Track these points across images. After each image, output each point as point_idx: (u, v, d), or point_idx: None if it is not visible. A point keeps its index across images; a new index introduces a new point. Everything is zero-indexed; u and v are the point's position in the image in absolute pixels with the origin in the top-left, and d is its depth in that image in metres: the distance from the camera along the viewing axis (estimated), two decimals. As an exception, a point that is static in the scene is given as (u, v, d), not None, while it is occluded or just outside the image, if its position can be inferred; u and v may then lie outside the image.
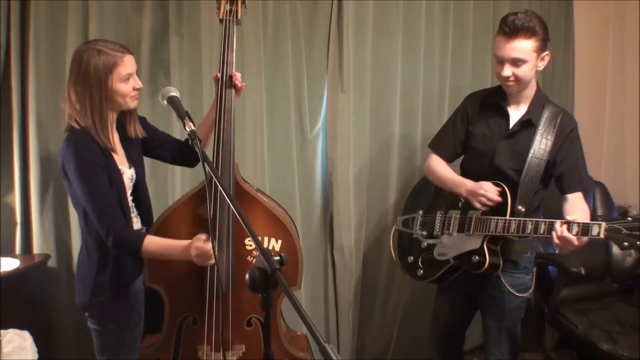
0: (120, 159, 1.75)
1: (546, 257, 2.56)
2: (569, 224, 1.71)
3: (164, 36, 2.26)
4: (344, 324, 2.74)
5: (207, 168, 1.40)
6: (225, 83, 1.85)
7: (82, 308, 1.78)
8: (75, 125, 1.66)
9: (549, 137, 1.91)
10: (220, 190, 1.77)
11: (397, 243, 2.30)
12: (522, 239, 1.91)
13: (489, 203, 1.88)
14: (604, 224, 1.66)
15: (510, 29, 1.79)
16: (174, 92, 1.67)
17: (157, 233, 1.80)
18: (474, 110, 2.06)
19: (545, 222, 1.78)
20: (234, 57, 1.87)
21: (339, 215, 2.64)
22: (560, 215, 1.84)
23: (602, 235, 1.66)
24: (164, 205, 2.09)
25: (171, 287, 1.88)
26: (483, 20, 2.84)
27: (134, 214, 1.81)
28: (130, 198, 1.79)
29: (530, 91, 1.95)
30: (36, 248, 2.20)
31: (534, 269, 2.07)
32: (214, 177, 1.35)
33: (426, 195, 2.21)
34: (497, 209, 1.89)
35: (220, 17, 1.88)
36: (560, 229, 1.72)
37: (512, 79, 1.86)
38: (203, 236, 1.67)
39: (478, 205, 1.91)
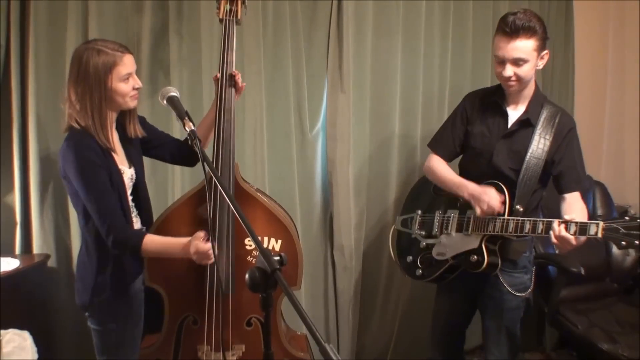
0: (120, 158, 1.75)
1: (546, 257, 2.56)
2: (567, 224, 1.71)
3: (164, 36, 2.26)
4: (344, 324, 2.74)
5: (207, 168, 1.40)
6: (225, 83, 1.85)
7: (82, 308, 1.78)
8: (75, 125, 1.66)
9: (547, 136, 1.91)
10: (220, 190, 1.78)
11: (396, 243, 2.30)
12: (521, 238, 1.92)
13: (489, 210, 1.87)
14: (601, 224, 1.66)
15: (511, 29, 1.79)
16: (174, 92, 1.66)
17: (157, 233, 1.80)
18: (472, 110, 2.06)
19: (543, 221, 1.78)
20: (234, 57, 1.87)
21: (339, 215, 2.64)
22: (559, 215, 1.84)
23: (599, 235, 1.66)
24: (164, 205, 2.09)
25: (171, 287, 1.88)
26: (483, 20, 2.84)
27: (133, 213, 1.81)
28: (130, 198, 1.80)
29: (529, 91, 1.95)
30: (36, 248, 2.20)
31: (533, 269, 2.07)
32: (214, 177, 1.35)
33: (425, 195, 2.21)
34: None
35: (220, 17, 1.88)
36: (558, 228, 1.72)
37: (513, 78, 1.86)
38: (202, 234, 1.67)
39: (478, 211, 1.90)
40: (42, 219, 2.20)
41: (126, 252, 1.72)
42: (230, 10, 1.87)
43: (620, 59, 3.26)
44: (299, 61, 2.47)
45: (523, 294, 2.03)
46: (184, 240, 1.69)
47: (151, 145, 1.93)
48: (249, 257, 1.88)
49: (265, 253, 1.09)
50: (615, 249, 2.71)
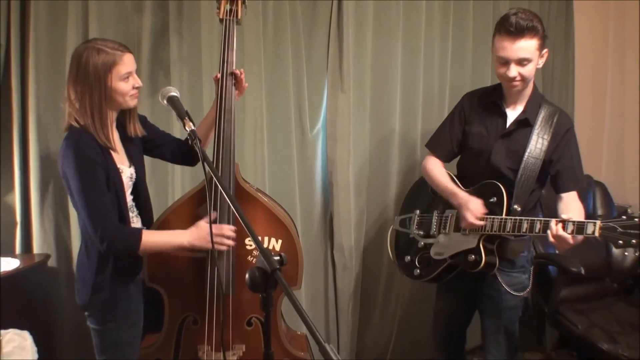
0: (120, 157, 1.75)
1: (546, 257, 2.56)
2: (564, 223, 1.72)
3: (164, 36, 2.26)
4: (344, 324, 2.74)
5: (207, 168, 1.39)
6: (226, 83, 1.85)
7: (82, 307, 1.77)
8: (74, 124, 1.66)
9: (546, 136, 1.91)
10: (221, 190, 1.78)
11: (395, 243, 2.30)
12: (519, 238, 1.92)
13: (465, 225, 1.92)
14: (598, 223, 1.67)
15: (516, 29, 1.78)
16: (174, 92, 1.66)
17: (157, 233, 1.80)
18: (470, 110, 2.06)
19: (540, 221, 1.78)
20: (234, 57, 1.87)
21: (339, 215, 2.64)
22: (559, 214, 1.85)
23: (597, 234, 1.66)
24: (164, 205, 2.09)
25: (171, 286, 1.88)
26: (483, 20, 2.84)
27: (134, 213, 1.81)
28: (130, 197, 1.80)
29: (528, 90, 1.95)
30: (36, 248, 2.20)
31: (531, 268, 2.08)
32: (214, 177, 1.35)
33: (423, 195, 2.21)
34: (494, 209, 1.89)
35: (221, 17, 1.88)
36: (555, 227, 1.72)
37: (518, 78, 1.86)
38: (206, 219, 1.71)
39: (462, 224, 1.93)
40: (42, 218, 2.20)
41: (124, 253, 1.72)
42: (231, 10, 1.87)
43: (620, 59, 3.26)
44: (299, 61, 2.47)
45: (521, 294, 2.03)
46: (185, 231, 1.73)
47: (153, 144, 1.93)
48: (249, 257, 1.88)
49: (266, 253, 1.09)
50: (615, 249, 2.72)
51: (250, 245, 1.88)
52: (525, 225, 1.81)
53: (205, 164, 1.40)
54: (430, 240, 2.10)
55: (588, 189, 2.84)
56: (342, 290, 2.70)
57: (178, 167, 2.28)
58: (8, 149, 2.14)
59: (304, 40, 2.48)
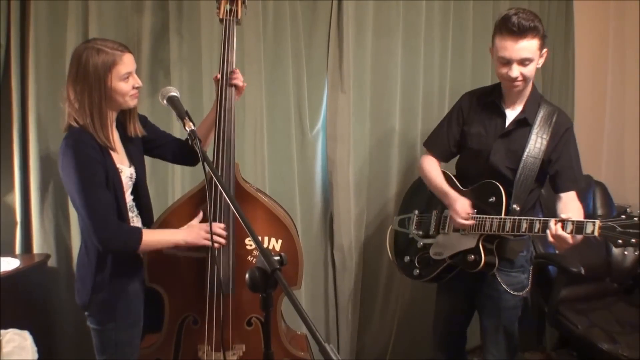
0: (119, 157, 1.75)
1: (546, 257, 2.56)
2: (563, 222, 1.72)
3: (164, 36, 2.26)
4: (343, 324, 2.74)
5: (207, 168, 1.39)
6: (226, 83, 1.85)
7: (81, 307, 1.77)
8: (74, 124, 1.66)
9: (545, 136, 1.91)
10: (221, 190, 1.78)
11: (394, 243, 2.30)
12: (518, 237, 1.92)
13: (457, 225, 1.95)
14: (597, 222, 1.67)
15: (519, 29, 1.78)
16: (174, 92, 1.66)
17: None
18: (469, 110, 2.06)
19: (539, 220, 1.78)
20: (234, 57, 1.87)
21: (339, 215, 2.64)
22: (558, 214, 1.85)
23: (596, 233, 1.66)
24: (164, 205, 2.09)
25: (171, 287, 1.88)
26: (483, 20, 2.84)
27: (134, 213, 1.81)
28: (130, 197, 1.79)
29: (527, 90, 1.95)
30: (36, 248, 2.20)
31: (530, 268, 2.08)
32: (214, 177, 1.35)
33: (422, 195, 2.21)
34: (493, 209, 1.90)
35: (220, 17, 1.88)
36: (554, 227, 1.72)
37: (520, 78, 1.86)
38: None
39: (454, 224, 1.97)
40: (42, 218, 2.19)
41: (122, 252, 1.72)
42: (231, 10, 1.87)
43: (620, 58, 3.26)
44: (299, 61, 2.47)
45: (520, 293, 2.03)
46: (182, 229, 1.75)
47: (153, 144, 1.93)
48: (249, 256, 1.88)
49: (266, 253, 1.09)
50: (615, 249, 2.72)
51: (250, 245, 1.88)
52: (524, 225, 1.81)
53: (205, 164, 1.40)
54: (429, 241, 2.10)
55: (588, 188, 2.84)
56: (342, 290, 2.70)
57: (178, 167, 2.28)
58: (8, 149, 2.14)
59: (304, 40, 2.48)
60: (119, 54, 1.64)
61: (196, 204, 1.86)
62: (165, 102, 1.66)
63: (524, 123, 1.94)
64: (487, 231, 1.89)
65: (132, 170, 1.80)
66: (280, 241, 1.88)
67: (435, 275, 2.08)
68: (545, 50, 1.87)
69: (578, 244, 1.73)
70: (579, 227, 1.69)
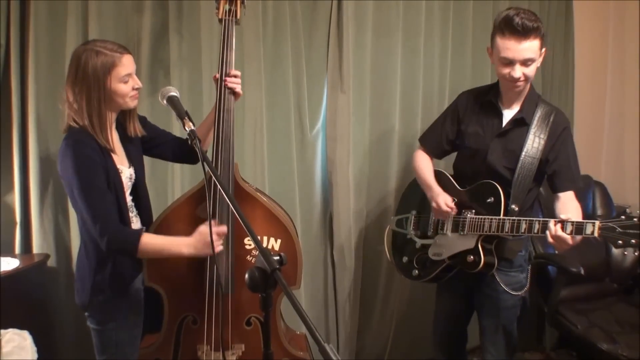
0: (119, 158, 1.75)
1: (546, 257, 2.56)
2: (563, 223, 1.72)
3: (164, 36, 2.26)
4: (343, 324, 2.74)
5: (207, 167, 1.39)
6: (224, 83, 1.85)
7: (81, 307, 1.77)
8: (74, 124, 1.66)
9: (542, 135, 1.91)
10: (220, 190, 1.78)
11: (392, 243, 2.30)
12: (516, 237, 1.92)
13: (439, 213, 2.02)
14: (597, 223, 1.66)
15: (523, 30, 1.78)
16: (174, 92, 1.66)
17: (157, 232, 1.80)
18: (466, 109, 2.06)
19: (539, 221, 1.78)
20: (234, 57, 1.87)
21: (339, 215, 2.64)
22: (556, 214, 1.85)
23: (596, 234, 1.66)
24: (164, 205, 2.09)
25: (171, 286, 1.88)
26: (483, 20, 2.84)
27: (133, 213, 1.81)
28: (129, 198, 1.79)
29: (525, 89, 1.95)
30: (36, 248, 2.20)
31: (529, 267, 2.08)
32: (214, 177, 1.35)
33: (419, 195, 2.20)
34: (491, 209, 1.90)
35: (220, 17, 1.88)
36: (554, 228, 1.72)
37: (522, 79, 1.85)
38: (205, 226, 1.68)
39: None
40: (42, 218, 2.20)
41: (122, 254, 1.72)
42: (230, 10, 1.87)
43: (620, 59, 3.26)
44: (299, 61, 2.47)
45: (519, 293, 2.03)
46: (186, 238, 1.69)
47: (153, 144, 1.93)
48: (249, 256, 1.88)
49: (265, 253, 1.09)
50: (615, 249, 2.72)
51: (250, 245, 1.88)
52: (524, 226, 1.81)
53: (205, 163, 1.40)
54: (427, 241, 2.10)
55: (587, 188, 2.84)
56: (341, 290, 2.70)
57: (177, 167, 2.28)
58: (8, 149, 2.14)
59: (304, 40, 2.48)
60: (118, 55, 1.64)
61: (195, 203, 1.86)
62: (165, 102, 1.65)
63: (521, 123, 1.94)
64: (486, 232, 1.89)
65: (131, 170, 1.80)
66: (279, 241, 1.88)
67: (434, 275, 2.08)
68: (544, 49, 1.87)
69: (578, 244, 1.73)
70: (578, 228, 1.69)
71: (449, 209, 1.97)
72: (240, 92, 1.89)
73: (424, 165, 2.15)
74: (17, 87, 2.11)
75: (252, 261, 1.87)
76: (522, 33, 1.79)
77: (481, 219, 1.90)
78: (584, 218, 1.76)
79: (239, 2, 1.88)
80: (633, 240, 1.61)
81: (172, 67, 2.25)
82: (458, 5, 2.78)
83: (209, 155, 1.80)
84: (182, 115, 1.59)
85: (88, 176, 1.62)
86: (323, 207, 2.67)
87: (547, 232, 1.73)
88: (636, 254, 2.76)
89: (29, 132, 2.13)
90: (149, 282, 1.86)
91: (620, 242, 1.63)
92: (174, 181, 2.31)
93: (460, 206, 1.99)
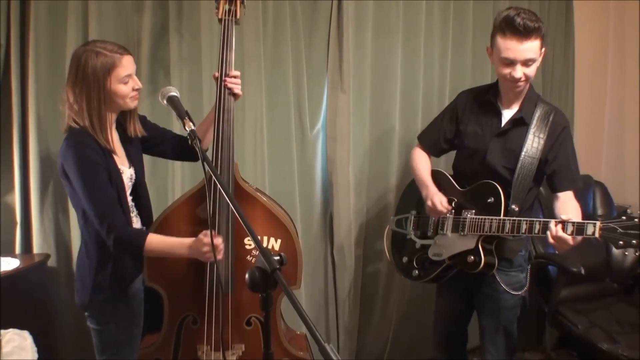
0: (120, 159, 1.75)
1: (546, 257, 2.56)
2: (564, 224, 1.71)
3: (164, 36, 2.26)
4: (343, 324, 2.74)
5: (207, 167, 1.39)
6: (224, 82, 1.85)
7: (81, 307, 1.78)
8: (74, 125, 1.66)
9: (542, 135, 1.91)
10: (220, 190, 1.77)
11: (391, 244, 2.30)
12: (516, 237, 1.92)
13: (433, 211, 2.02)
14: (598, 223, 1.66)
15: (524, 30, 1.77)
16: (174, 92, 1.66)
17: (157, 232, 1.79)
18: (464, 108, 2.06)
19: (539, 221, 1.78)
20: (233, 57, 1.87)
21: (339, 215, 2.64)
22: (556, 215, 1.84)
23: (597, 235, 1.66)
24: (164, 204, 2.08)
25: (171, 286, 1.88)
26: (483, 20, 2.84)
27: (133, 213, 1.81)
28: (130, 198, 1.79)
29: (525, 89, 1.95)
30: (36, 248, 2.20)
31: (528, 267, 2.08)
32: (214, 177, 1.35)
33: (419, 195, 2.20)
34: (491, 209, 1.89)
35: (219, 17, 1.88)
36: (555, 228, 1.71)
37: (523, 79, 1.85)
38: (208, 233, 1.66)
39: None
40: (42, 218, 2.20)
41: (128, 252, 1.72)
42: (229, 10, 1.87)
43: (620, 59, 3.26)
44: (299, 61, 2.47)
45: (519, 293, 2.03)
46: (188, 240, 1.69)
47: (153, 142, 1.93)
48: (249, 256, 1.88)
49: (265, 252, 1.09)
50: (615, 249, 2.71)
51: (250, 245, 1.88)
52: (524, 226, 1.80)
53: (205, 163, 1.40)
54: (427, 242, 2.10)
55: (588, 188, 2.84)
56: (342, 290, 2.70)
57: (178, 167, 2.28)
58: (8, 149, 2.14)
59: (304, 40, 2.48)
60: (118, 56, 1.64)
61: (196, 203, 1.86)
62: (165, 102, 1.66)
63: (520, 122, 1.94)
64: (486, 232, 1.88)
65: (132, 171, 1.80)
66: (279, 241, 1.88)
67: (434, 276, 2.07)
68: (544, 49, 1.87)
69: (578, 244, 1.72)
70: (579, 229, 1.69)
71: (443, 208, 1.97)
72: (240, 92, 1.89)
73: (422, 163, 2.15)
74: (17, 87, 2.11)
75: (252, 261, 1.87)
76: (524, 33, 1.78)
77: (481, 219, 1.89)
78: (584, 218, 1.76)
79: (238, 2, 1.88)
80: (634, 241, 1.60)
81: (172, 67, 2.26)
82: (458, 5, 2.78)
83: (209, 155, 1.80)
84: (183, 115, 1.59)
85: (91, 176, 1.63)
86: (323, 207, 2.67)
87: (548, 233, 1.73)
88: (637, 254, 2.76)
89: (29, 132, 2.13)
90: (149, 282, 1.86)
91: (621, 242, 1.63)
92: (174, 181, 2.31)
93: (460, 206, 1.99)
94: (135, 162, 1.82)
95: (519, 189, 1.90)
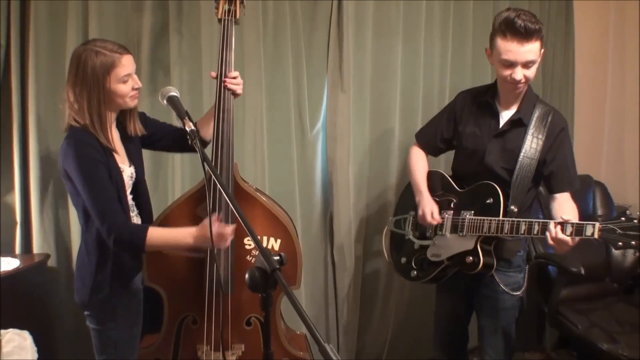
0: (120, 157, 1.75)
1: (546, 257, 2.56)
2: (563, 225, 1.71)
3: (164, 35, 2.26)
4: (343, 324, 2.74)
5: (207, 167, 1.39)
6: (224, 83, 1.85)
7: (81, 306, 1.77)
8: (74, 123, 1.66)
9: (540, 136, 1.91)
10: (220, 190, 1.78)
11: (390, 244, 2.30)
12: (515, 238, 1.91)
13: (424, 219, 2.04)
14: (597, 224, 1.66)
15: (525, 31, 1.76)
16: (174, 92, 1.66)
17: (157, 231, 1.80)
18: (463, 109, 2.06)
19: (538, 222, 1.77)
20: (233, 57, 1.87)
21: (339, 215, 2.64)
22: (554, 216, 1.84)
23: (596, 236, 1.66)
24: (164, 204, 2.09)
25: (170, 286, 1.88)
26: (483, 20, 2.84)
27: (134, 212, 1.81)
28: (130, 197, 1.80)
29: (523, 90, 1.95)
30: (36, 247, 2.21)
31: (526, 267, 2.08)
32: (214, 176, 1.35)
33: None
34: (490, 210, 1.89)
35: (219, 17, 1.88)
36: (554, 230, 1.71)
37: (523, 81, 1.85)
38: (214, 218, 1.65)
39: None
40: (42, 218, 2.20)
41: (129, 249, 1.72)
42: (229, 10, 1.87)
43: (620, 59, 3.26)
44: (299, 61, 2.47)
45: (518, 293, 2.03)
46: (191, 228, 1.67)
47: (154, 138, 1.92)
48: (249, 256, 1.88)
49: (265, 252, 1.09)
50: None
51: (250, 245, 1.88)
52: (523, 227, 1.80)
53: (205, 163, 1.40)
54: (426, 242, 2.10)
55: (587, 188, 2.84)
56: (341, 290, 2.70)
57: (178, 166, 2.28)
58: (8, 149, 2.14)
59: (304, 40, 2.48)
60: (117, 56, 1.64)
61: (195, 203, 1.86)
62: (165, 102, 1.66)
63: (518, 123, 1.93)
64: (485, 233, 1.88)
65: (132, 169, 1.80)
66: (279, 241, 1.88)
67: (433, 276, 2.07)
68: (542, 50, 1.87)
69: (578, 244, 1.72)
70: (578, 230, 1.69)
71: (433, 220, 2.00)
72: (240, 92, 1.89)
73: (418, 165, 2.15)
74: (17, 87, 2.11)
75: (252, 261, 1.87)
76: (525, 35, 1.77)
77: (480, 220, 1.89)
78: (584, 218, 1.76)
79: (238, 2, 1.88)
80: (633, 242, 1.60)
81: (172, 67, 2.26)
82: (458, 5, 2.78)
83: (209, 155, 1.80)
84: (182, 115, 1.59)
85: (92, 174, 1.63)
86: (323, 207, 2.67)
87: (547, 234, 1.73)
88: (636, 254, 2.76)
89: (29, 131, 2.13)
90: (148, 282, 1.86)
91: (620, 243, 1.62)
92: (174, 180, 2.31)
93: (459, 207, 1.99)
94: (136, 160, 1.82)
95: (517, 190, 1.90)
